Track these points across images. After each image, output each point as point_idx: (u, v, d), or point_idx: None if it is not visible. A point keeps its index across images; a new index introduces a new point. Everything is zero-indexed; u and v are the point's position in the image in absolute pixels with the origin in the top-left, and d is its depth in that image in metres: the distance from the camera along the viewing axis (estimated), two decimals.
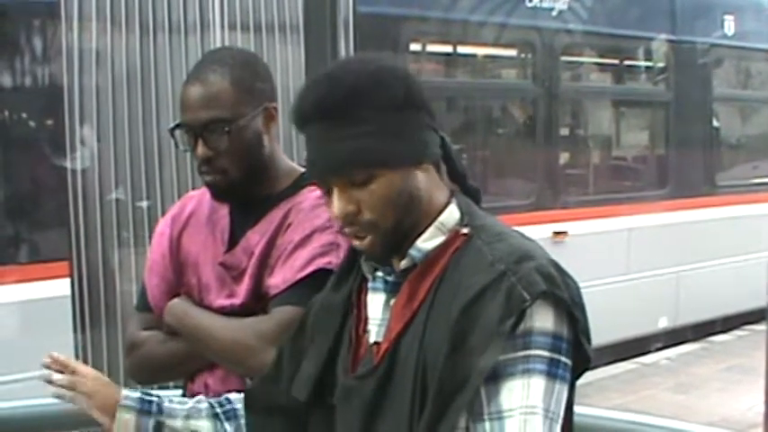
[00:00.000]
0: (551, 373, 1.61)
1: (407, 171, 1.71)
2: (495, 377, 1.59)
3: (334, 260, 2.10)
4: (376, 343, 1.75)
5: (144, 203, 6.18)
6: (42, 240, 6.22)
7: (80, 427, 4.04)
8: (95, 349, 6.06)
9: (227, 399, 2.03)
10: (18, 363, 5.54)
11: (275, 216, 2.22)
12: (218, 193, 2.26)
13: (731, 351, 9.81)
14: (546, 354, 1.61)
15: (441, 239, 1.73)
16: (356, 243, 1.76)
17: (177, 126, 2.25)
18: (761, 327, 9.19)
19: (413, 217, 1.73)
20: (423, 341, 1.65)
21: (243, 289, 2.21)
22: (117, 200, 6.15)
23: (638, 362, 9.36)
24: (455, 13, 8.44)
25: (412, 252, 1.74)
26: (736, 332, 10.51)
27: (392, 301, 1.75)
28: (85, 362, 6.03)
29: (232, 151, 2.18)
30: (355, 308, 1.82)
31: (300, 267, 2.13)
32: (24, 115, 6.38)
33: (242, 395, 2.03)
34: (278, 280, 2.15)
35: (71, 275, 5.94)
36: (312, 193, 2.22)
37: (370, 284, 1.81)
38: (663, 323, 9.78)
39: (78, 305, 5.97)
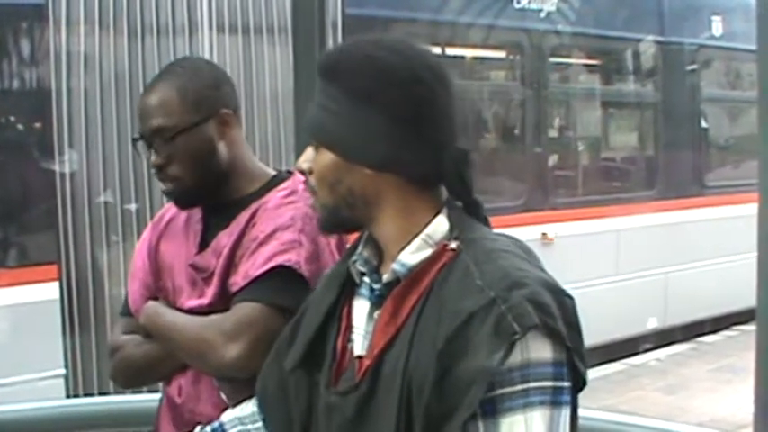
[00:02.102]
0: (556, 401, 1.56)
1: (351, 166, 1.68)
2: (494, 412, 1.54)
3: (294, 257, 2.11)
4: (359, 357, 1.71)
5: (133, 206, 6.18)
6: (31, 244, 6.20)
7: (83, 429, 4.04)
8: (84, 352, 6.05)
9: (220, 425, 2.00)
10: (11, 366, 5.54)
11: (243, 217, 2.24)
12: (175, 201, 2.30)
13: (720, 351, 9.84)
14: (549, 384, 1.56)
15: (427, 253, 1.67)
16: None
17: (138, 137, 2.28)
18: (750, 327, 9.19)
19: (353, 212, 1.71)
20: (408, 362, 1.60)
21: (211, 290, 2.22)
22: (106, 203, 6.16)
23: (627, 363, 9.38)
24: (443, 14, 8.45)
25: (395, 266, 1.68)
26: (726, 332, 10.54)
27: (376, 313, 1.70)
28: (75, 365, 6.03)
29: (180, 159, 2.21)
30: (342, 314, 1.78)
31: (261, 264, 2.13)
32: (12, 118, 6.36)
33: (231, 411, 2.02)
34: (239, 277, 2.16)
35: (60, 278, 5.94)
36: (279, 193, 2.25)
37: (358, 290, 1.77)
38: (652, 324, 9.80)
39: (67, 308, 5.97)
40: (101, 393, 5.94)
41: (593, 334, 8.55)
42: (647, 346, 9.92)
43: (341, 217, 1.73)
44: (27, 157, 6.27)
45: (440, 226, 1.68)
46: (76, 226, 6.01)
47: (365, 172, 1.68)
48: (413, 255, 1.67)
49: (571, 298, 1.63)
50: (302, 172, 1.77)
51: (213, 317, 2.15)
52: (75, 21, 6.07)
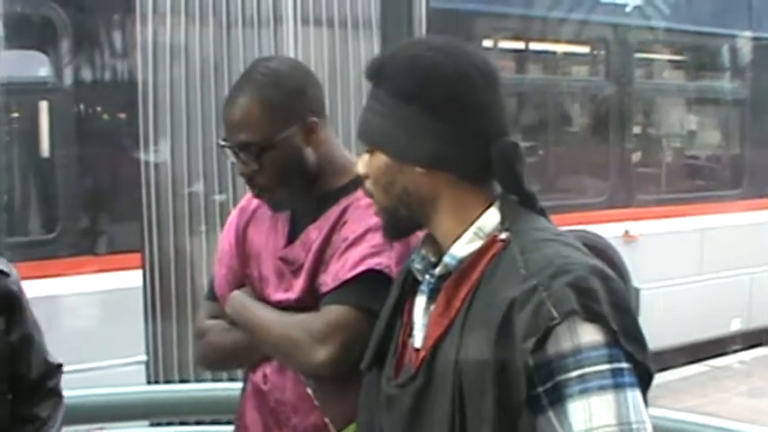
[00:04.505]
0: (618, 384, 1.56)
1: (402, 166, 1.72)
2: (558, 400, 1.56)
3: (384, 260, 2.10)
4: (417, 350, 1.75)
5: (219, 197, 6.25)
6: (116, 232, 6.29)
7: (164, 415, 4.10)
8: (165, 340, 6.13)
9: None
10: (95, 351, 5.63)
11: (333, 213, 2.23)
12: (268, 206, 2.31)
13: None
14: (605, 367, 1.56)
15: (477, 245, 1.70)
16: None
17: (225, 144, 2.28)
18: None
19: (410, 211, 1.75)
20: (459, 353, 1.64)
21: (299, 284, 2.22)
22: (192, 193, 6.23)
23: (710, 365, 9.23)
24: (528, 8, 8.39)
25: (446, 259, 1.72)
26: None
27: (431, 307, 1.74)
28: (155, 352, 6.12)
29: (267, 170, 2.21)
30: (404, 311, 1.82)
31: (351, 267, 2.13)
32: (101, 110, 6.46)
33: None
34: (329, 278, 2.16)
35: (143, 267, 6.03)
36: None
37: (419, 287, 1.80)
38: (736, 325, 9.63)
39: (150, 296, 6.05)
40: (180, 381, 6.03)
41: (676, 334, 8.45)
42: (731, 347, 9.76)
43: (400, 218, 1.77)
44: (114, 149, 6.37)
45: (491, 218, 1.72)
46: (160, 215, 6.09)
47: (417, 171, 1.72)
48: (463, 247, 1.71)
49: (620, 282, 1.64)
50: (360, 177, 1.82)
51: (302, 316, 2.16)
52: (162, 13, 6.15)
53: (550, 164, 8.78)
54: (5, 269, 2.65)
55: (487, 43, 8.20)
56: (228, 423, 3.73)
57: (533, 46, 8.71)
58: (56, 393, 2.74)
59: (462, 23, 7.68)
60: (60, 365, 2.78)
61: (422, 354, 1.71)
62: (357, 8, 6.78)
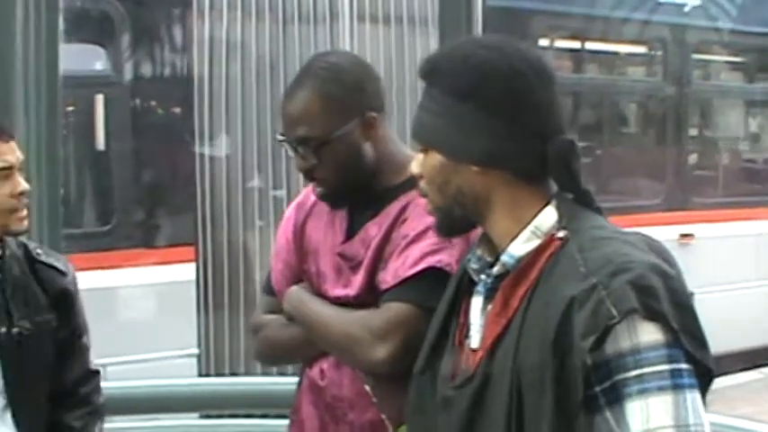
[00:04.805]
0: (677, 385, 1.54)
1: (457, 165, 1.71)
2: (616, 400, 1.54)
3: (445, 258, 2.08)
4: (474, 350, 1.73)
5: (276, 192, 6.27)
6: (171, 226, 6.34)
7: (214, 408, 4.12)
8: (217, 333, 6.17)
9: None
10: (148, 343, 5.67)
11: (393, 209, 2.21)
12: (325, 202, 2.29)
13: None
14: (665, 367, 1.54)
15: (535, 243, 1.68)
16: None
17: (283, 139, 2.28)
18: None
19: (464, 211, 1.74)
20: (516, 353, 1.62)
21: (358, 280, 2.21)
22: (248, 188, 6.26)
23: (765, 372, 9.12)
24: (584, 7, 8.34)
25: (504, 258, 1.71)
26: None
27: (489, 307, 1.73)
28: (207, 345, 6.15)
29: (326, 165, 2.20)
30: (460, 311, 1.81)
31: (411, 264, 2.11)
32: (158, 105, 6.52)
33: None
34: (389, 275, 2.14)
35: (196, 260, 6.07)
36: None
37: (475, 287, 1.79)
38: None
39: (203, 289, 6.09)
40: (231, 374, 6.06)
41: (730, 340, 8.30)
42: None
43: (454, 217, 1.76)
44: (169, 143, 6.42)
45: (548, 217, 1.70)
46: (214, 209, 6.13)
47: (472, 170, 1.70)
48: (521, 246, 1.69)
49: (682, 283, 1.62)
50: (414, 176, 1.81)
51: (361, 313, 2.15)
52: (219, 9, 6.19)
53: (606, 165, 8.71)
54: (63, 269, 2.67)
55: (543, 42, 8.17)
56: (278, 417, 3.76)
57: (589, 45, 8.65)
58: (89, 402, 2.73)
59: (518, 22, 7.65)
60: (98, 372, 2.78)
61: (479, 354, 1.70)
62: (414, 5, 6.77)
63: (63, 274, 2.66)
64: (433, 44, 6.12)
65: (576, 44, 8.58)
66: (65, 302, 2.65)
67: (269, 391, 3.80)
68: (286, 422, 2.46)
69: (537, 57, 1.76)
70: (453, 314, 1.82)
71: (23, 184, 2.51)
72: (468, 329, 1.77)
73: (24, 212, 2.52)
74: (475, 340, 1.74)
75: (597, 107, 8.90)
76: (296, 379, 2.46)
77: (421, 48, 6.65)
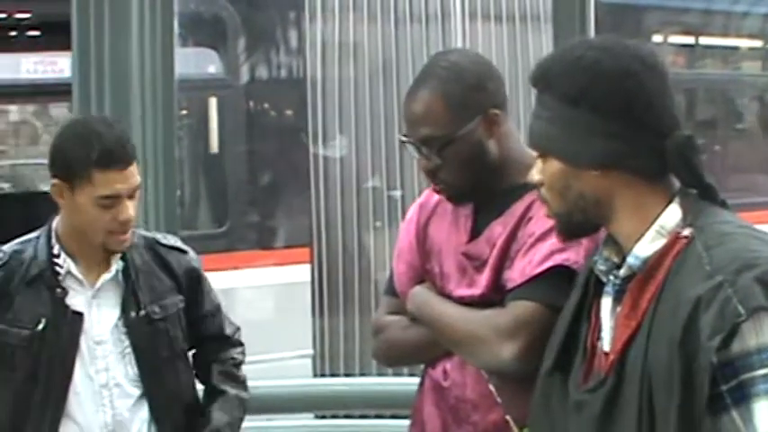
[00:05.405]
0: None
1: (577, 170, 1.71)
2: (743, 399, 1.53)
3: (572, 256, 2.06)
4: (606, 353, 1.74)
5: (394, 193, 6.28)
6: (287, 228, 6.39)
7: (329, 408, 4.14)
8: (332, 334, 6.20)
9: None
10: (266, 344, 5.71)
11: (518, 208, 2.20)
12: (450, 200, 2.30)
13: None
14: None
15: (660, 243, 1.67)
16: None
17: (406, 139, 2.29)
18: None
19: (585, 215, 1.74)
20: (647, 355, 1.62)
21: (483, 280, 2.20)
22: (363, 189, 6.28)
23: None
24: (699, 2, 8.20)
25: (630, 260, 1.70)
26: None
27: (618, 309, 1.72)
28: (322, 346, 6.18)
29: (450, 165, 2.20)
30: (591, 313, 1.80)
31: (538, 262, 2.10)
32: (268, 105, 6.58)
33: None
34: (516, 273, 2.14)
35: (311, 261, 6.10)
36: None
37: (604, 288, 1.78)
38: None
39: (317, 290, 6.12)
40: (346, 374, 6.08)
41: None
42: None
43: (575, 222, 1.77)
44: (283, 145, 6.47)
45: (672, 215, 1.70)
46: (329, 211, 6.16)
47: (592, 174, 1.71)
48: (646, 246, 1.68)
49: None
50: (534, 184, 1.82)
51: (487, 312, 2.14)
52: (331, 10, 6.22)
53: (723, 161, 8.55)
54: (184, 248, 2.72)
55: (657, 38, 8.05)
56: (393, 417, 3.76)
57: (703, 40, 8.51)
58: (232, 373, 2.77)
59: (632, 17, 7.55)
60: (241, 343, 2.84)
61: (611, 357, 1.70)
62: (526, 2, 6.72)
63: (185, 252, 2.70)
64: (546, 42, 6.07)
65: (690, 39, 8.45)
66: (192, 280, 2.68)
67: (384, 392, 3.80)
68: (401, 422, 2.47)
69: (648, 52, 1.75)
70: (581, 315, 1.82)
71: (128, 213, 2.46)
72: (599, 331, 1.77)
73: (128, 234, 2.51)
74: (606, 343, 1.74)
75: (712, 103, 8.74)
76: (412, 379, 2.46)
77: (534, 45, 6.59)
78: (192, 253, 2.72)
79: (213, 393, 2.72)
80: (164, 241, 2.70)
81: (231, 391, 2.73)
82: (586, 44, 1.79)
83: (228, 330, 2.79)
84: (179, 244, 2.72)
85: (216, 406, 2.69)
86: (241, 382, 2.77)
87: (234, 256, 6.00)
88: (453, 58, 2.29)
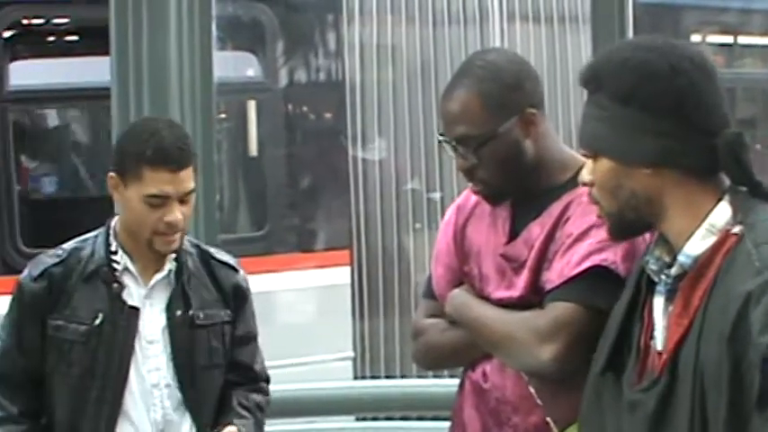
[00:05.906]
0: None
1: (628, 168, 1.73)
2: None
3: (610, 256, 2.06)
4: (659, 352, 1.74)
5: (434, 195, 6.28)
6: (328, 230, 6.39)
7: (370, 410, 4.15)
8: (372, 337, 6.20)
9: None
10: (304, 347, 5.72)
11: (556, 209, 2.20)
12: (486, 200, 2.30)
13: None
14: None
15: (711, 241, 1.69)
16: None
17: (443, 138, 2.29)
18: None
19: (637, 213, 1.76)
20: (698, 353, 1.63)
21: (522, 281, 2.20)
22: (403, 191, 6.28)
23: None
24: (735, 1, 8.14)
25: (681, 259, 1.72)
26: None
27: (670, 308, 1.73)
28: (363, 348, 6.19)
29: (487, 164, 2.20)
30: (644, 312, 1.81)
31: (576, 263, 2.10)
32: (307, 108, 6.59)
33: None
34: (554, 275, 2.13)
35: (351, 264, 6.11)
36: None
37: (656, 287, 1.79)
38: None
39: (358, 293, 6.13)
40: (386, 377, 6.08)
41: None
42: None
43: (627, 221, 1.79)
44: (322, 148, 6.48)
45: (722, 213, 1.71)
46: (368, 213, 6.16)
47: (643, 172, 1.73)
48: (697, 244, 1.71)
49: None
50: (585, 185, 1.85)
51: (525, 314, 2.14)
52: (368, 13, 6.22)
53: (763, 160, 8.47)
54: (236, 265, 2.73)
55: (696, 38, 8.00)
56: (434, 419, 3.75)
57: (741, 40, 8.45)
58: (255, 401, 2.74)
59: (670, 17, 7.51)
60: (267, 379, 2.82)
61: (664, 357, 1.71)
62: (564, 2, 6.70)
63: (236, 270, 2.72)
64: (585, 42, 6.05)
65: (728, 39, 8.40)
66: (239, 298, 2.69)
67: (425, 394, 3.81)
68: (442, 424, 2.47)
69: (696, 52, 1.78)
70: (633, 315, 1.82)
71: (175, 215, 2.47)
72: (652, 331, 1.77)
73: (174, 237, 2.52)
74: (659, 342, 1.75)
75: (752, 103, 8.67)
76: (452, 381, 2.46)
77: (572, 46, 6.57)
78: (242, 273, 2.73)
79: (230, 414, 2.68)
80: (217, 256, 2.72)
81: (249, 418, 2.69)
82: (634, 44, 1.84)
83: (257, 366, 2.75)
84: (232, 262, 2.73)
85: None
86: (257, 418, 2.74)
87: (273, 260, 6.01)
88: (490, 58, 2.30)
